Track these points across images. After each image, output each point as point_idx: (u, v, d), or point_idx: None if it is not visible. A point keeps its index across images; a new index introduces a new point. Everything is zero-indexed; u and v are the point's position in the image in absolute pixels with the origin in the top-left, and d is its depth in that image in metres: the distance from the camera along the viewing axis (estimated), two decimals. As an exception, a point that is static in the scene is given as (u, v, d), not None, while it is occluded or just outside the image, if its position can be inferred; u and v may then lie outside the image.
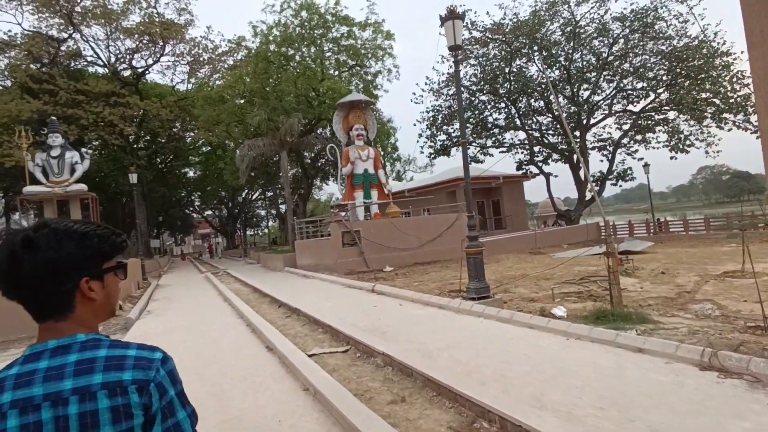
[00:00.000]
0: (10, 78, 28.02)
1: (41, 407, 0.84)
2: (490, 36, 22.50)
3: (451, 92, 24.57)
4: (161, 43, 30.65)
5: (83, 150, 14.86)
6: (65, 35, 29.46)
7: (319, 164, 33.94)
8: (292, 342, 6.19)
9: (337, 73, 23.69)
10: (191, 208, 53.98)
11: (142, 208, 33.72)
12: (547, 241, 21.21)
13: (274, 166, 30.13)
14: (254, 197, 52.19)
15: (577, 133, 25.05)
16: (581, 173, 24.99)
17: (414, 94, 25.20)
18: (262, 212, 59.09)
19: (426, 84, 25.47)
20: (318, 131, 28.57)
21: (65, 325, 0.93)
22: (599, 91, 23.65)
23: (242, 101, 26.46)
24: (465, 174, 7.71)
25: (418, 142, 26.85)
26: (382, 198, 19.07)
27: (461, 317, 6.81)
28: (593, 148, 25.49)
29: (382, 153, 23.68)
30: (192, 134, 38.13)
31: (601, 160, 25.68)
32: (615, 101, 23.37)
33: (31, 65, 27.53)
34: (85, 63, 32.04)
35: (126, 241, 1.08)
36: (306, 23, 22.74)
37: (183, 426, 0.94)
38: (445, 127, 25.30)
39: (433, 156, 26.49)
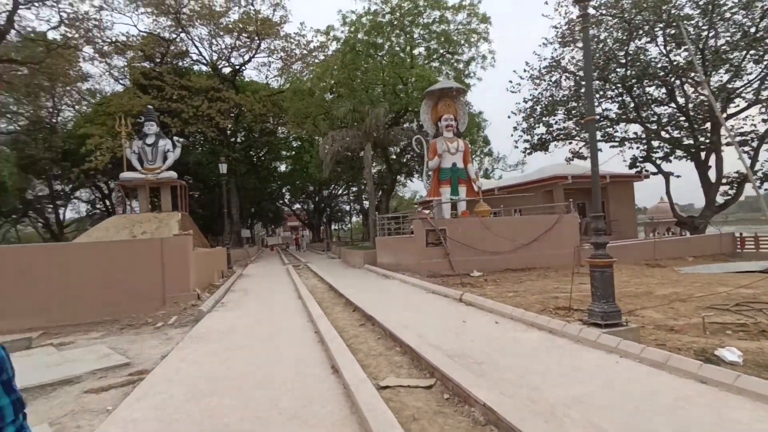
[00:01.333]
0: (128, 77, 30.63)
1: None
2: (605, 12, 19.62)
3: (553, 79, 22.01)
4: (257, 40, 31.57)
5: (175, 138, 15.12)
6: (174, 36, 31.54)
7: (404, 160, 32.87)
8: (362, 364, 4.96)
9: (426, 62, 22.32)
10: (281, 201, 56.08)
11: (235, 199, 35.29)
12: (666, 252, 18.00)
13: (359, 162, 29.64)
14: (339, 192, 52.77)
15: (708, 126, 21.11)
16: (711, 172, 21.03)
17: (511, 82, 23.04)
18: (346, 207, 59.76)
19: (525, 71, 23.13)
20: (404, 125, 27.47)
21: None
22: (742, 75, 19.58)
23: (330, 95, 26.21)
24: (592, 159, 5.91)
25: (512, 135, 24.58)
26: (471, 195, 17.37)
27: (585, 351, 5.09)
28: (728, 144, 21.31)
29: (471, 147, 21.86)
30: (283, 129, 39.23)
31: (739, 158, 21.38)
32: (764, 86, 19.17)
33: (144, 64, 29.78)
34: (191, 61, 34.16)
35: None
36: (397, 9, 21.63)
37: (5, 411, 1.03)
38: (545, 119, 22.75)
39: (528, 151, 24.05)
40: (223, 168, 19.80)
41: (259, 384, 4.66)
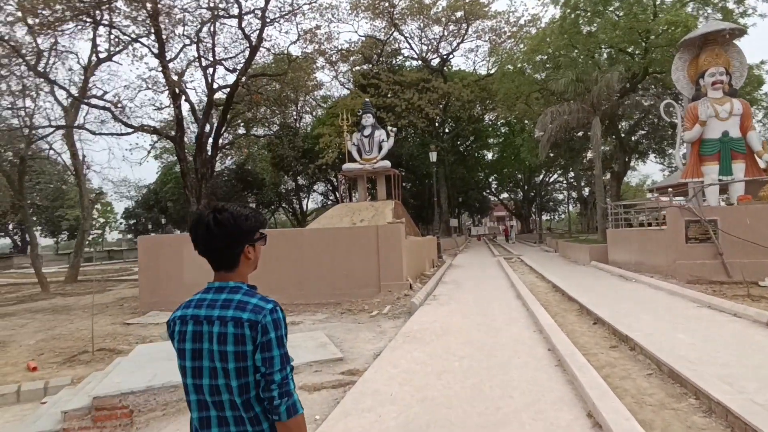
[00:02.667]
0: (351, 80, 33.93)
1: (203, 322, 1.36)
2: None
3: None
4: (465, 24, 30.78)
5: (389, 128, 15.39)
6: (388, 36, 33.40)
7: (635, 138, 27.33)
8: (640, 420, 3.28)
9: (678, 5, 17.37)
10: (488, 191, 54.68)
11: (444, 189, 35.59)
12: None
13: (579, 142, 25.90)
14: (552, 179, 48.23)
15: None
16: None
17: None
18: (560, 196, 54.35)
19: None
20: (639, 93, 22.59)
21: (231, 275, 1.44)
22: None
23: (543, 74, 23.45)
24: None
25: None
26: (754, 173, 12.69)
27: None
28: None
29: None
30: (491, 116, 37.66)
31: None
32: None
33: (363, 66, 32.40)
34: (403, 58, 35.73)
35: (266, 219, 1.64)
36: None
37: (275, 360, 1.33)
38: None
39: None
40: (433, 156, 19.63)
41: (486, 425, 3.49)
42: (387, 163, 14.64)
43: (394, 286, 11.11)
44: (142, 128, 17.23)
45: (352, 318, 8.70)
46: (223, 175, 37.88)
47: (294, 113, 36.37)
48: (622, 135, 23.04)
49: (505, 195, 56.32)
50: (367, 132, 15.00)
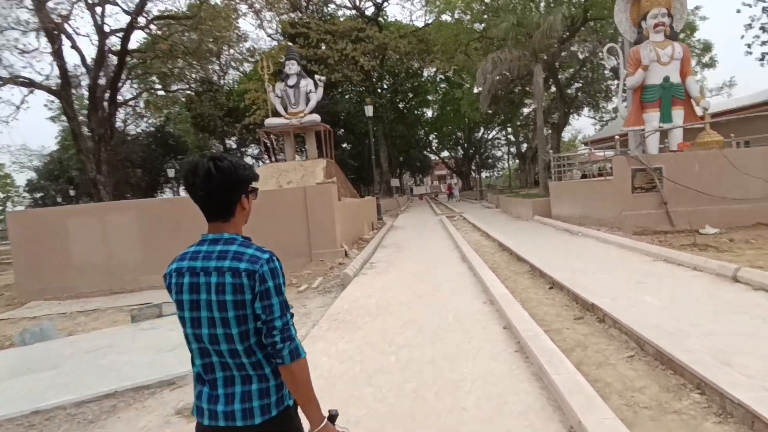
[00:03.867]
0: (279, 31, 30.91)
1: (200, 274, 1.37)
2: None
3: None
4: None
5: (317, 77, 13.62)
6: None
7: (571, 91, 27.17)
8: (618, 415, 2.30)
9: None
10: (429, 149, 54.06)
11: (383, 148, 34.27)
12: None
13: (518, 96, 25.34)
14: (491, 136, 48.36)
15: None
16: None
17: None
18: (499, 152, 54.98)
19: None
20: (577, 43, 22.10)
21: (226, 226, 1.42)
22: None
23: (483, 24, 22.24)
24: None
25: (743, 37, 17.61)
26: (692, 120, 12.47)
27: None
28: None
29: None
30: (430, 70, 36.26)
31: None
32: None
33: (291, 14, 29.53)
34: (335, 6, 33.05)
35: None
36: None
37: (275, 307, 1.36)
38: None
39: (772, 56, 17.01)
40: (369, 110, 18.12)
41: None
42: (316, 117, 13.00)
43: (327, 254, 9.86)
44: (14, 80, 14.11)
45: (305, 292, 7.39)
46: (140, 139, 34.04)
47: (216, 68, 32.95)
48: (563, 86, 22.58)
49: (445, 153, 56.06)
50: (291, 82, 13.16)
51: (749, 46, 16.76)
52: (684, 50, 12.56)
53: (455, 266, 8.22)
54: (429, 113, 44.51)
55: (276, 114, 13.66)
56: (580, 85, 28.66)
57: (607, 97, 28.35)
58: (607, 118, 34.05)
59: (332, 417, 1.41)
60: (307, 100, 13.54)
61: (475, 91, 32.54)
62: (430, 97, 40.86)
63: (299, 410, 1.43)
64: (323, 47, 26.37)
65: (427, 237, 13.09)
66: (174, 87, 32.74)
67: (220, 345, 1.36)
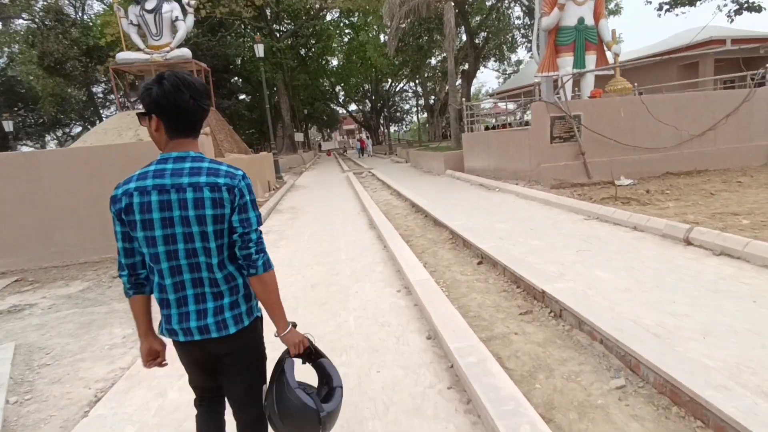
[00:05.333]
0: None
1: (170, 191, 1.33)
2: None
3: None
4: None
5: (185, 1, 10.70)
6: None
7: (478, 39, 26.22)
8: None
9: None
10: (335, 102, 51.18)
11: (285, 98, 31.15)
12: None
13: (426, 43, 23.78)
14: (398, 88, 46.84)
15: None
16: None
17: None
18: (406, 106, 53.92)
19: None
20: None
21: (189, 143, 1.39)
22: None
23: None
24: None
25: (643, -15, 17.62)
26: (603, 64, 11.96)
27: None
28: None
29: None
30: (333, 13, 33.10)
31: None
32: None
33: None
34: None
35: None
36: None
37: (252, 220, 1.40)
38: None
39: (667, 8, 17.27)
40: (260, 50, 15.36)
41: None
42: (186, 52, 10.22)
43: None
44: None
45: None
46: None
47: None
48: (473, 32, 21.39)
49: (353, 107, 53.71)
50: (150, 5, 10.09)
51: (648, -5, 16.87)
52: (598, -10, 11.82)
53: (362, 235, 6.70)
54: (334, 62, 41.53)
55: (133, 47, 10.66)
56: (486, 34, 27.94)
57: (513, 47, 28.03)
58: (510, 71, 34.16)
59: (293, 323, 1.50)
60: (174, 30, 10.68)
61: (382, 38, 30.54)
62: (335, 45, 37.78)
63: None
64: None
65: (331, 198, 11.41)
66: (16, 20, 26.26)
67: (199, 258, 1.37)
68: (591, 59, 11.78)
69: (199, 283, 1.38)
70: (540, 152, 9.61)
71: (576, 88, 12.53)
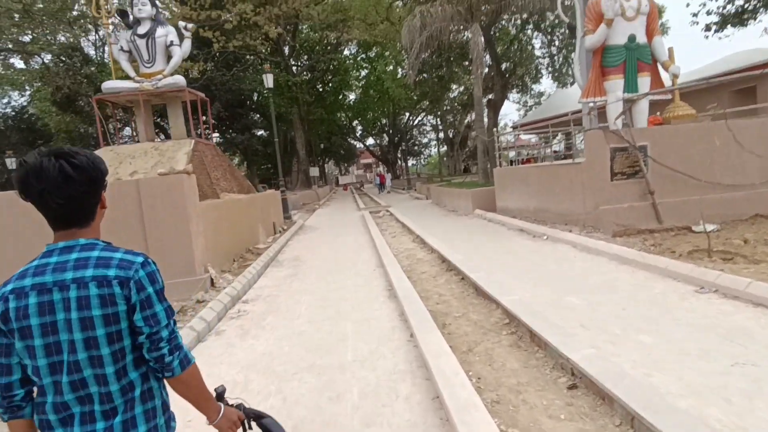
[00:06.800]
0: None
1: (52, 291, 1.11)
2: None
3: None
4: None
5: (181, 24, 9.58)
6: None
7: (507, 64, 24.64)
8: None
9: None
10: (352, 136, 50.43)
11: (300, 132, 30.17)
12: None
13: (447, 72, 22.50)
14: (416, 122, 45.84)
15: None
16: None
17: None
18: (425, 139, 52.85)
19: None
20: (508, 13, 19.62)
21: (83, 231, 1.18)
22: None
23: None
24: None
25: (688, 5, 16.11)
26: (658, 86, 10.23)
27: None
28: None
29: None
30: (351, 47, 32.49)
31: None
32: None
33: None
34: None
35: None
36: None
37: (159, 316, 1.18)
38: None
39: (717, 28, 15.65)
40: (269, 80, 14.19)
41: None
42: (180, 80, 8.91)
43: (180, 285, 6.15)
44: None
45: None
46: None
47: (93, 36, 26.80)
48: (499, 59, 19.91)
49: (371, 141, 52.90)
50: (143, 29, 8.93)
51: (695, 15, 15.36)
52: (651, 3, 10.24)
53: (378, 310, 4.93)
54: (351, 97, 40.89)
55: (123, 76, 9.46)
56: (510, 63, 26.69)
57: (536, 78, 26.67)
58: (531, 102, 32.84)
59: (221, 395, 1.36)
60: (168, 57, 9.46)
61: (399, 72, 29.53)
62: (353, 77, 37.03)
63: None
64: (213, 14, 21.59)
65: (342, 245, 9.71)
66: (37, 58, 26.24)
67: (83, 372, 1.14)
68: (644, 82, 10.03)
69: (87, 400, 1.14)
70: (598, 191, 7.80)
71: (623, 116, 10.82)
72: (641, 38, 9.95)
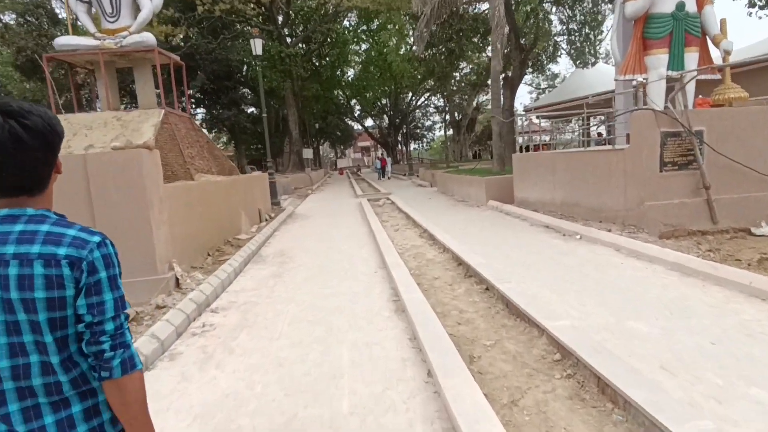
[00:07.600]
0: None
1: None
2: None
3: None
4: None
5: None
6: None
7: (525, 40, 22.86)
8: None
9: None
10: (350, 117, 48.57)
11: (293, 110, 28.52)
12: None
13: (457, 46, 20.65)
14: (419, 102, 44.07)
15: None
16: None
17: None
18: (428, 122, 51.15)
19: None
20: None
21: (34, 200, 0.99)
22: None
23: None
24: None
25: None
26: (706, 63, 8.89)
27: None
28: None
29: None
30: (349, 17, 30.58)
31: None
32: None
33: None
34: None
35: None
36: None
37: (107, 306, 0.98)
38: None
39: (761, 3, 14.25)
40: (257, 46, 12.65)
41: None
42: (147, 38, 7.39)
43: (137, 286, 4.88)
44: None
45: None
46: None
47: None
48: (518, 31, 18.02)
49: (369, 122, 51.13)
50: (105, -25, 7.51)
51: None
52: (700, -33, 8.86)
53: (383, 330, 3.71)
54: (350, 73, 38.96)
55: (84, 32, 8.01)
56: (531, 37, 25.02)
57: (553, 57, 25.08)
58: (544, 85, 31.34)
59: None
60: (136, 11, 8.00)
61: (403, 49, 27.72)
62: (352, 51, 35.03)
63: None
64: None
65: (337, 238, 8.44)
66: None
67: (29, 356, 0.96)
68: (692, 58, 8.71)
69: (28, 393, 0.96)
70: (644, 184, 6.55)
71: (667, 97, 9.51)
72: (691, 6, 8.60)
